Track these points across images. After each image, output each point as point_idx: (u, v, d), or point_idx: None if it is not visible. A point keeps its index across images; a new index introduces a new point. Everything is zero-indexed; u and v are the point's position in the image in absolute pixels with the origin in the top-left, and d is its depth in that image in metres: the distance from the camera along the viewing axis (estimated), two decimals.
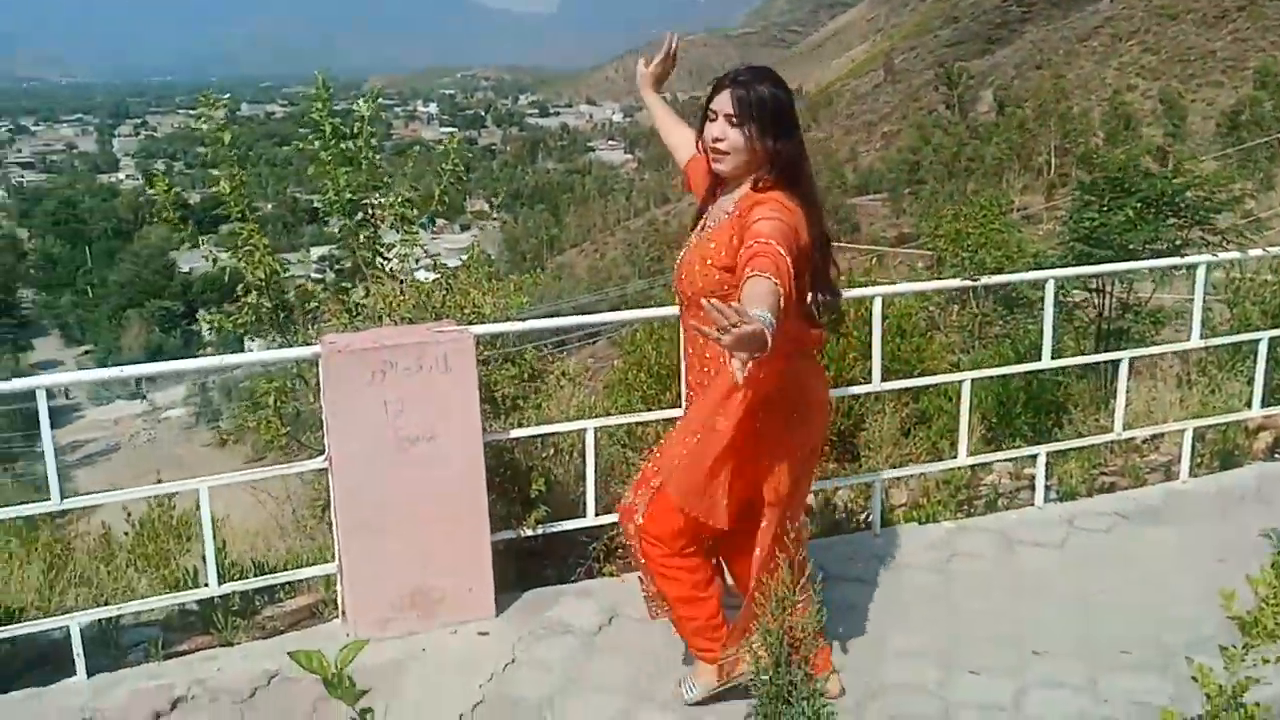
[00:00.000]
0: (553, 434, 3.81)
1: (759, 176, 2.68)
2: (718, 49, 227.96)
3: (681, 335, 3.11)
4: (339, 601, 3.47)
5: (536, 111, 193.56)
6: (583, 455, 3.67)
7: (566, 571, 3.88)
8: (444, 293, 3.89)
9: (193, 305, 70.02)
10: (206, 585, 3.38)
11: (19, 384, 3.12)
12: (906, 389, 5.02)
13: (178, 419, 50.23)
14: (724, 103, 2.66)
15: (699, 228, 2.86)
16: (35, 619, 3.38)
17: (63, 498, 3.10)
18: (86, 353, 68.16)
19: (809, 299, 2.76)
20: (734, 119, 2.65)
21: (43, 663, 3.56)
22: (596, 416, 3.89)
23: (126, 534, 5.88)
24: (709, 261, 2.70)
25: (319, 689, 3.05)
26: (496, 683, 3.14)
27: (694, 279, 2.73)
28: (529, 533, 3.65)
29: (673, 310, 4.00)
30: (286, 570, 3.61)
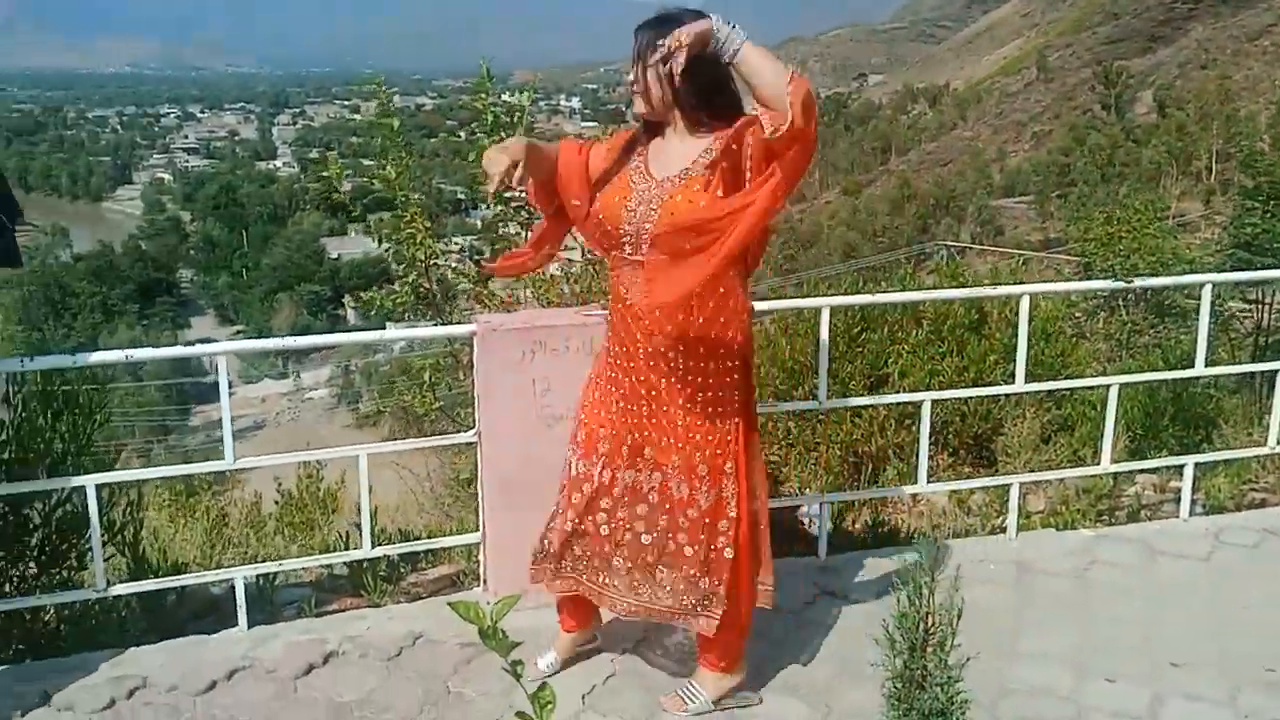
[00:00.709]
0: None
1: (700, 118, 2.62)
2: (862, 44, 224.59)
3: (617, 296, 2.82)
4: (480, 570, 3.64)
5: None
6: None
7: None
8: (591, 278, 4.02)
9: (339, 290, 72.96)
10: (359, 548, 3.59)
11: (206, 349, 3.38)
12: (1049, 394, 4.93)
13: (320, 400, 52.38)
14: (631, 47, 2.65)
15: (651, 176, 2.67)
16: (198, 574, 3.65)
17: (235, 459, 3.34)
18: (239, 332, 71.57)
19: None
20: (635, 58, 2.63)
21: (205, 614, 3.85)
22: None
23: (276, 503, 6.24)
24: (690, 207, 2.57)
25: (460, 651, 3.24)
26: (626, 657, 3.25)
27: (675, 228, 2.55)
28: None
29: (812, 301, 4.04)
30: (432, 539, 3.80)
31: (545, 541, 2.97)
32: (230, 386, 3.30)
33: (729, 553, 2.75)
